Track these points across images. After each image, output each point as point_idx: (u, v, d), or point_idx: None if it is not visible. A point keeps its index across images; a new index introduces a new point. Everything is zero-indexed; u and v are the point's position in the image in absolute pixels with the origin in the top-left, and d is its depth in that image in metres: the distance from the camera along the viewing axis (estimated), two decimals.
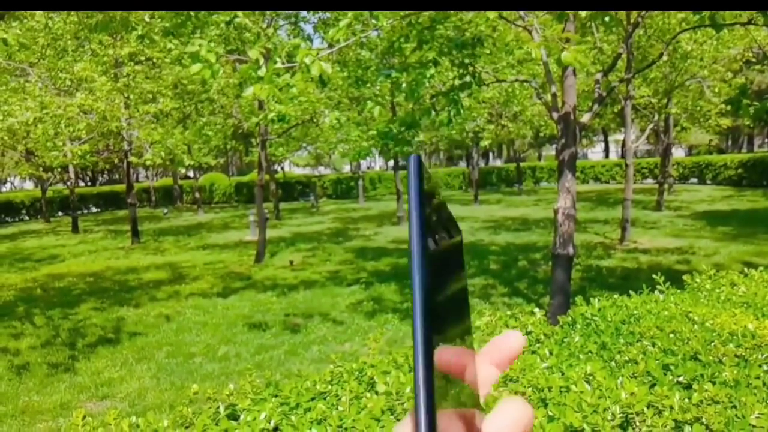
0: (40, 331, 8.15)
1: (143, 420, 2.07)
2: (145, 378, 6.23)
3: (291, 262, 10.79)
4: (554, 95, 6.20)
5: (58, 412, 5.49)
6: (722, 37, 12.19)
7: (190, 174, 32.45)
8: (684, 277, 3.84)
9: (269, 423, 2.02)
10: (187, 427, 2.09)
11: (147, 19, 8.16)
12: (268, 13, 11.19)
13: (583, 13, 5.94)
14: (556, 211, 6.00)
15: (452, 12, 6.41)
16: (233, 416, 2.16)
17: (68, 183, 23.10)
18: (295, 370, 5.85)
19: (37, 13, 12.02)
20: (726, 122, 16.82)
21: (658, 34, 11.73)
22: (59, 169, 22.36)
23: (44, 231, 23.23)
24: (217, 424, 2.04)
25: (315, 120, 12.46)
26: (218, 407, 2.17)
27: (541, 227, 16.18)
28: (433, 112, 6.41)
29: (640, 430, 1.87)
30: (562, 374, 2.22)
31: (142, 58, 13.68)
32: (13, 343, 7.65)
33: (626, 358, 2.46)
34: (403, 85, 5.97)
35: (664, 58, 9.96)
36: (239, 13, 7.74)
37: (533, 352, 2.56)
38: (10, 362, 6.88)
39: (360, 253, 13.38)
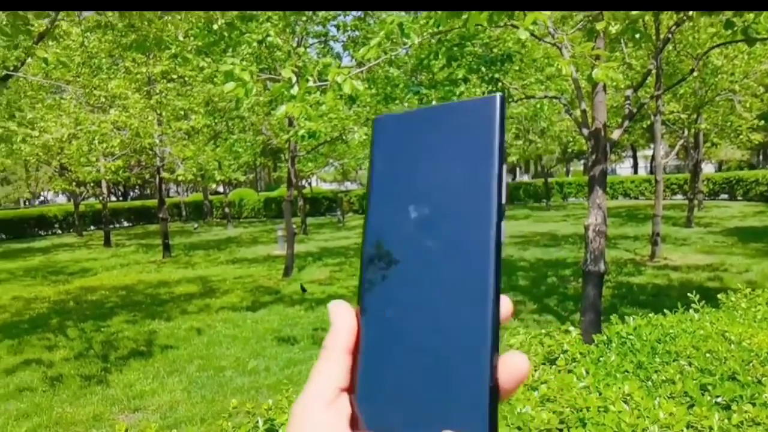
0: (74, 344, 8.29)
1: None
2: (176, 391, 6.30)
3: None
4: (584, 111, 6.19)
5: (90, 424, 5.57)
6: (754, 51, 12.04)
7: (220, 189, 32.87)
8: (719, 296, 3.80)
9: None
10: None
11: (180, 38, 8.34)
12: (297, 31, 11.36)
13: (612, 29, 5.94)
14: (586, 228, 5.96)
15: (481, 29, 6.46)
16: (271, 431, 2.20)
17: (101, 198, 23.55)
18: None
19: (74, 31, 12.34)
20: (757, 137, 16.56)
21: (688, 50, 11.63)
22: (92, 184, 22.84)
23: (77, 245, 23.68)
24: None
25: (344, 137, 12.57)
26: (257, 422, 2.20)
27: (570, 243, 16.04)
28: None
29: None
30: (600, 394, 2.22)
31: (175, 76, 13.96)
32: (47, 354, 7.79)
33: (663, 378, 2.44)
34: (433, 102, 6.01)
35: (695, 73, 9.87)
36: (271, 32, 7.88)
37: (570, 371, 2.55)
38: (44, 373, 7.01)
39: None
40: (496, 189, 0.37)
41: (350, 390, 0.44)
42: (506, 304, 0.41)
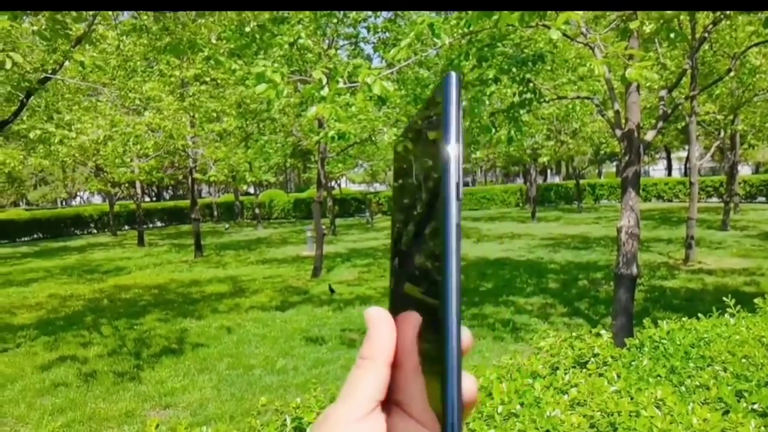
0: (107, 341, 8.45)
1: (213, 430, 2.13)
2: (206, 388, 6.38)
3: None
4: (617, 112, 6.11)
5: (123, 420, 5.67)
6: None
7: (251, 190, 33.21)
8: (755, 301, 3.70)
9: None
10: None
11: (213, 41, 8.45)
12: (328, 33, 11.42)
13: (647, 28, 5.85)
14: (619, 230, 5.88)
15: (512, 29, 6.41)
16: (299, 429, 2.21)
17: (135, 198, 23.99)
18: None
19: (110, 35, 12.58)
20: None
21: (724, 49, 11.39)
22: (126, 185, 23.25)
23: (111, 244, 24.14)
24: None
25: (373, 138, 12.59)
26: (285, 420, 2.22)
27: (602, 246, 15.83)
28: (493, 130, 6.40)
29: None
30: (631, 398, 2.18)
31: (207, 79, 14.15)
32: (81, 351, 7.95)
33: (697, 383, 2.39)
34: (463, 103, 5.99)
35: (731, 73, 9.66)
36: (302, 34, 7.94)
37: (600, 375, 2.51)
38: (78, 369, 7.16)
39: None
40: (446, 175, 0.36)
41: (386, 401, 0.43)
42: (466, 335, 0.39)
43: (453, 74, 0.37)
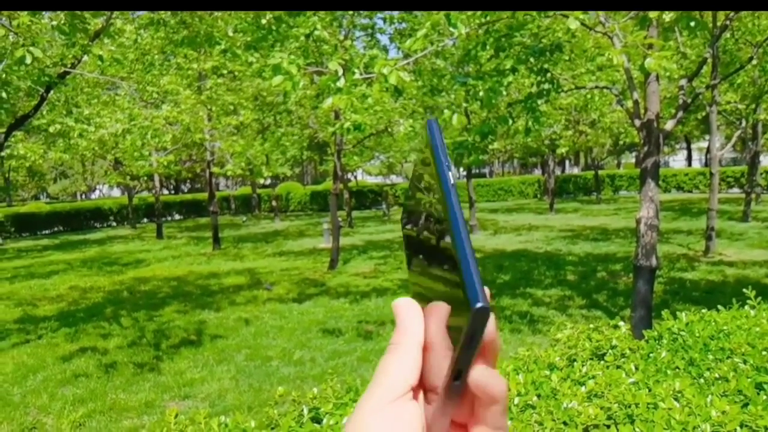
0: (127, 332, 8.55)
1: (232, 420, 2.15)
2: (224, 379, 6.43)
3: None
4: (636, 102, 6.04)
5: (143, 410, 5.74)
6: None
7: (268, 183, 33.37)
8: None
9: None
10: (272, 429, 2.16)
11: (230, 34, 8.47)
12: (344, 24, 11.40)
13: (666, 17, 5.77)
14: (638, 221, 5.82)
15: (529, 19, 6.35)
16: (316, 419, 2.22)
17: (153, 191, 24.20)
18: (367, 377, 5.89)
19: (127, 29, 12.67)
20: None
21: (746, 37, 11.19)
22: (145, 178, 23.46)
23: (130, 237, 24.39)
24: (301, 426, 2.09)
25: (389, 129, 12.58)
26: (302, 410, 2.23)
27: (621, 237, 15.70)
28: (510, 121, 6.36)
29: None
30: (649, 390, 2.16)
31: (224, 72, 14.20)
32: (101, 342, 8.05)
33: (716, 376, 2.37)
34: (480, 93, 5.95)
35: (753, 62, 9.49)
36: (318, 25, 7.93)
37: (618, 367, 2.50)
38: (99, 360, 7.25)
39: None
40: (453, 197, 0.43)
41: (423, 389, 0.44)
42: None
43: (432, 121, 0.46)
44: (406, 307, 0.45)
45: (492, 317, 0.41)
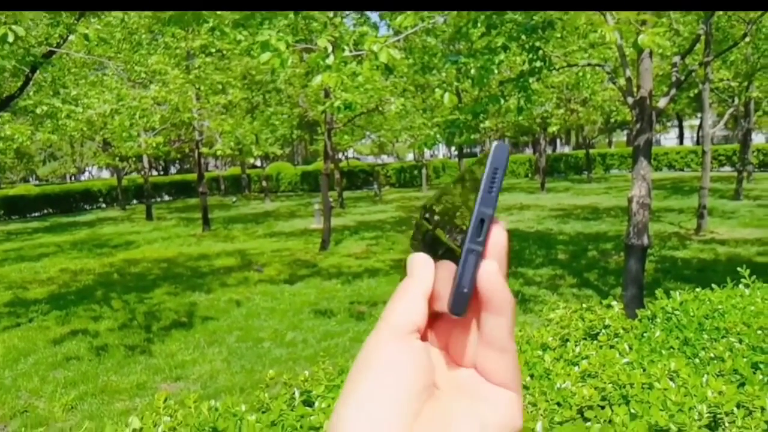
0: (118, 314, 8.50)
1: (222, 404, 2.11)
2: (216, 361, 6.41)
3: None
4: (629, 80, 5.98)
5: (134, 392, 5.72)
6: None
7: (258, 163, 33.17)
8: None
9: None
10: (263, 412, 2.12)
11: (218, 12, 8.31)
12: None
13: None
14: (630, 200, 5.80)
15: None
16: (308, 402, 2.18)
17: (142, 172, 24.00)
18: None
19: None
20: None
21: (740, 14, 11.11)
22: (134, 159, 23.24)
23: (120, 218, 24.24)
24: (293, 410, 2.06)
25: (380, 108, 12.47)
26: (293, 393, 2.20)
27: (612, 216, 15.73)
28: (502, 99, 6.29)
29: (730, 431, 1.78)
30: (644, 370, 2.14)
31: (213, 50, 14.01)
32: (92, 325, 8.01)
33: (711, 355, 2.35)
34: (472, 71, 5.88)
35: (747, 39, 9.43)
36: None
37: (612, 347, 2.47)
38: (90, 343, 7.21)
39: None
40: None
41: (424, 338, 0.44)
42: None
43: (502, 145, 0.42)
44: (418, 259, 0.44)
45: (503, 227, 0.41)
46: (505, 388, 0.41)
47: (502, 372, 0.41)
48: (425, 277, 0.43)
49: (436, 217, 0.48)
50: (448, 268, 0.42)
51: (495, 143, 0.42)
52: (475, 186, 0.42)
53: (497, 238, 0.41)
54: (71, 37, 9.83)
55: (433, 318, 0.44)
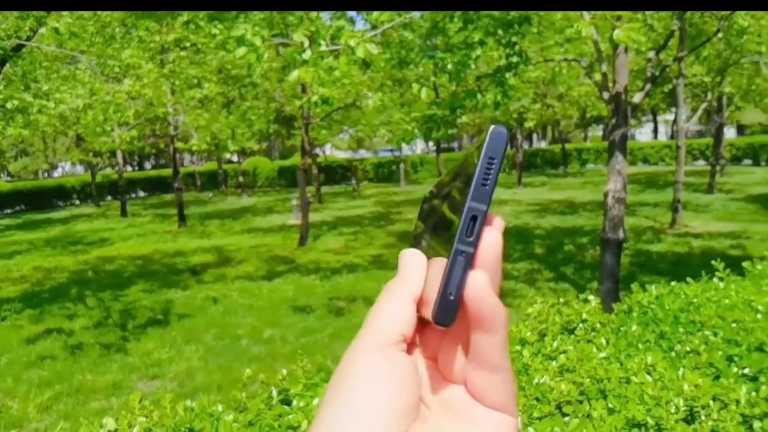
0: (93, 313, 8.39)
1: (198, 404, 2.08)
2: (193, 359, 6.36)
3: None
4: (604, 75, 6.03)
5: (110, 392, 5.65)
6: None
7: (234, 158, 32.89)
8: (744, 264, 3.69)
9: None
10: (241, 412, 2.10)
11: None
12: None
13: None
14: (606, 194, 5.85)
15: None
16: (286, 401, 2.16)
17: (116, 168, 23.66)
18: (339, 354, 5.87)
19: None
20: None
21: (712, 10, 11.25)
22: (108, 155, 22.89)
23: (94, 215, 23.89)
24: (270, 409, 2.04)
25: (358, 103, 12.42)
26: (271, 392, 2.17)
27: (588, 210, 15.88)
28: (479, 94, 6.30)
29: (706, 424, 1.80)
30: (621, 364, 2.15)
31: (188, 44, 13.84)
32: (67, 323, 7.89)
33: (687, 349, 2.37)
34: (449, 66, 5.87)
35: (719, 35, 9.55)
36: None
37: (589, 341, 2.49)
38: (64, 342, 7.11)
39: (402, 236, 13.37)
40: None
41: (413, 345, 0.40)
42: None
43: (500, 128, 0.37)
44: (408, 256, 0.41)
45: (498, 227, 0.37)
46: (498, 410, 0.37)
47: (494, 392, 0.37)
48: (415, 277, 0.39)
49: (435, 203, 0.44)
50: (440, 266, 0.38)
51: (492, 127, 0.37)
52: (467, 178, 0.37)
53: (490, 241, 0.37)
54: (42, 30, 9.64)
55: (423, 323, 0.40)
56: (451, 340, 0.39)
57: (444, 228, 0.39)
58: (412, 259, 0.40)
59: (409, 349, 0.39)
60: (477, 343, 0.36)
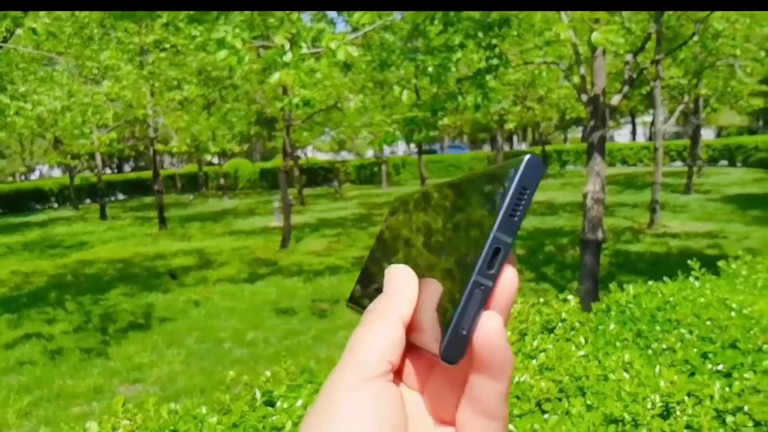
0: (73, 317, 8.30)
1: (182, 407, 2.09)
2: (175, 363, 6.32)
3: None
4: (583, 77, 6.10)
5: (91, 396, 5.60)
6: (755, 15, 11.84)
7: (215, 160, 32.70)
8: (719, 263, 3.77)
9: (306, 410, 2.02)
10: (225, 414, 2.10)
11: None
12: None
13: None
14: (585, 195, 5.92)
15: None
16: (270, 402, 2.17)
17: (95, 170, 23.41)
18: (323, 356, 5.89)
19: None
20: (758, 103, 16.42)
21: (688, 13, 11.43)
22: (86, 157, 22.64)
23: (73, 218, 23.60)
24: (254, 411, 2.05)
25: (339, 105, 12.43)
26: (255, 394, 2.18)
27: (567, 211, 16.03)
28: (460, 97, 6.35)
29: (681, 419, 1.84)
30: (599, 362, 2.20)
31: (167, 46, 13.75)
32: (46, 328, 7.80)
33: (663, 346, 2.42)
34: (429, 68, 5.91)
35: (695, 38, 9.72)
36: None
37: (568, 340, 2.53)
38: (44, 347, 7.03)
39: None
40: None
41: (401, 371, 0.37)
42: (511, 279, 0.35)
43: (534, 158, 0.35)
44: (398, 272, 0.37)
45: (515, 266, 0.34)
46: None
47: None
48: (405, 298, 0.36)
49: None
50: (434, 289, 0.35)
51: (527, 157, 0.34)
52: (488, 202, 0.34)
53: (510, 278, 0.34)
54: (18, 31, 9.52)
55: (409, 348, 0.36)
56: (443, 376, 0.36)
57: (443, 247, 0.37)
58: (402, 277, 0.37)
59: (395, 377, 0.36)
60: (478, 389, 0.34)
